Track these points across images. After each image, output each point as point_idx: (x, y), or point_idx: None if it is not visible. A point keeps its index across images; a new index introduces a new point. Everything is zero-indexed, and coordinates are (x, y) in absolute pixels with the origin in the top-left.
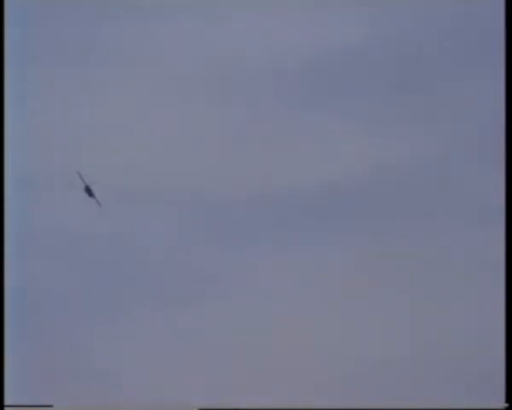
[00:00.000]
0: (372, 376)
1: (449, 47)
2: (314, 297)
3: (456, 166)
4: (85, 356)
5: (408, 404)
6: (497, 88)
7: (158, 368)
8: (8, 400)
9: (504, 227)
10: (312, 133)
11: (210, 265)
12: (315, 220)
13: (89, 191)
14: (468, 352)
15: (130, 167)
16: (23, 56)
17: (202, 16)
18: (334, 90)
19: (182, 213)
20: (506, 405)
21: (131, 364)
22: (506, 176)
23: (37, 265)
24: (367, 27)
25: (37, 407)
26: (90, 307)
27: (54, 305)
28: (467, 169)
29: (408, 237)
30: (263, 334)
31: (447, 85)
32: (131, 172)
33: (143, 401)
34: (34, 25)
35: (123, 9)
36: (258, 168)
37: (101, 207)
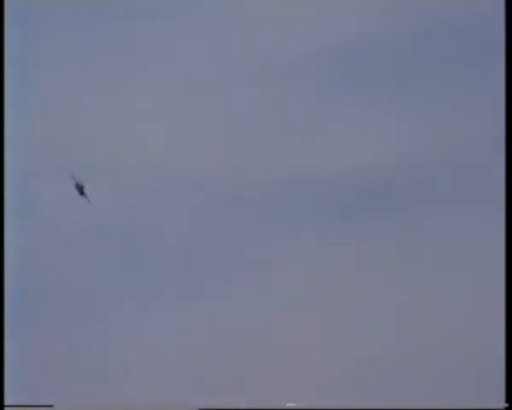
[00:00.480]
0: (372, 376)
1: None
2: (314, 295)
3: (480, 157)
4: (85, 356)
5: (408, 404)
6: None
7: (158, 368)
8: (8, 400)
9: (504, 227)
10: (327, 126)
11: (208, 266)
12: (319, 216)
13: (80, 190)
14: (468, 352)
15: (142, 161)
16: (23, 56)
17: (210, 14)
18: (359, 76)
19: (194, 208)
20: (506, 405)
21: (132, 364)
22: (506, 174)
23: (38, 263)
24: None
25: (37, 407)
26: (91, 307)
27: (54, 304)
28: (490, 160)
29: (409, 235)
30: (263, 333)
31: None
32: (142, 165)
33: (143, 401)
34: (34, 25)
35: (123, 9)
36: (271, 157)
37: (94, 208)
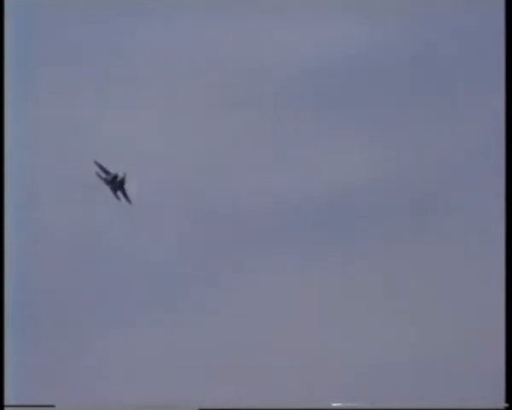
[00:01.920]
0: (373, 376)
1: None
2: (312, 304)
3: (455, 177)
4: (86, 357)
5: (408, 404)
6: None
7: (159, 369)
8: (9, 399)
9: (504, 230)
10: (306, 143)
11: (204, 276)
12: (307, 233)
13: (117, 184)
14: (468, 352)
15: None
16: (23, 56)
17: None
18: (334, 98)
19: (173, 225)
20: (506, 405)
21: (133, 364)
22: (506, 188)
23: (38, 265)
24: (368, 36)
25: (39, 406)
26: (92, 308)
27: (55, 307)
28: (465, 182)
29: (407, 247)
30: (262, 335)
31: (447, 95)
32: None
33: (144, 402)
34: (34, 25)
35: (124, 10)
36: (249, 178)
37: (131, 205)
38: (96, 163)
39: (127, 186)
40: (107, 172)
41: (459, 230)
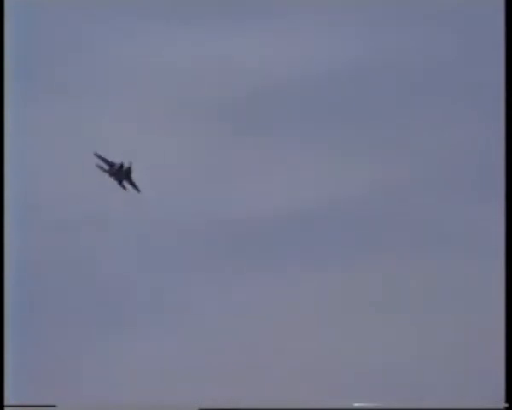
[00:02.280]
0: (373, 376)
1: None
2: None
3: (418, 195)
4: (86, 357)
5: (408, 404)
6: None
7: (159, 369)
8: (9, 399)
9: (504, 230)
10: (272, 161)
11: (204, 277)
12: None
13: (123, 174)
14: (468, 352)
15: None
16: (23, 56)
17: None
18: (296, 117)
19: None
20: (506, 405)
21: (133, 364)
22: (506, 207)
23: (39, 265)
24: (335, 52)
25: (40, 406)
26: (93, 308)
27: (55, 307)
28: (428, 198)
29: (405, 257)
30: (262, 335)
31: (412, 115)
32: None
33: (144, 402)
34: (34, 25)
35: (124, 10)
36: (215, 196)
37: (139, 194)
38: (97, 155)
39: (133, 175)
40: (110, 164)
41: (459, 230)
